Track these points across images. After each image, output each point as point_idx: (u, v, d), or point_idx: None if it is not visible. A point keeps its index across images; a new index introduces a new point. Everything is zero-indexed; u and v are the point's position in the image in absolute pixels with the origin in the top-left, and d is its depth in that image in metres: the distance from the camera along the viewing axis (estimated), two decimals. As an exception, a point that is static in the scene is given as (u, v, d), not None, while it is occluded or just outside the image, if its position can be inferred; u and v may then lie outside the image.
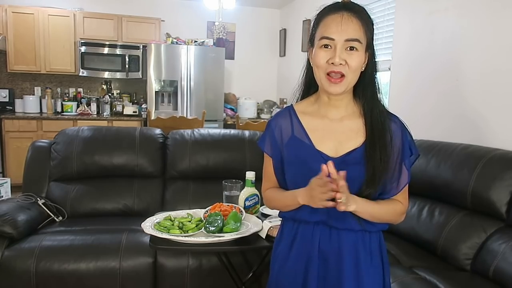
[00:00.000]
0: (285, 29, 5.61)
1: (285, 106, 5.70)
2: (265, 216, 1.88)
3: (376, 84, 1.12)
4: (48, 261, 1.96)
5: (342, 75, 1.04)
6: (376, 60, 1.11)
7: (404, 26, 3.08)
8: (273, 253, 1.24)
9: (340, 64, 1.03)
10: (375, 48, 1.11)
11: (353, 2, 1.09)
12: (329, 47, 1.04)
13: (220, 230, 1.62)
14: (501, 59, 2.23)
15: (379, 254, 1.14)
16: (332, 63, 1.03)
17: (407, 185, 1.12)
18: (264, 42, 5.90)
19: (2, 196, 3.30)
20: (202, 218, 1.78)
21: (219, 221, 1.64)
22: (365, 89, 1.11)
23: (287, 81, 5.62)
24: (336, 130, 1.11)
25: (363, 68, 1.08)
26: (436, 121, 2.70)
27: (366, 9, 1.10)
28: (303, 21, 4.80)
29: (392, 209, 1.11)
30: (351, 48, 1.03)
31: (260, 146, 1.21)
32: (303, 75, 1.19)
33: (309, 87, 1.18)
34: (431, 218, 2.11)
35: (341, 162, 1.07)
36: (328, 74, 1.05)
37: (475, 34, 2.41)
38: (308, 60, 1.14)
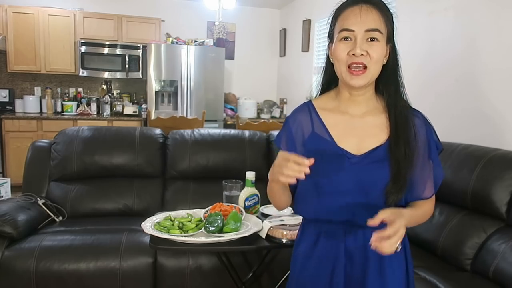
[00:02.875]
0: (285, 29, 5.61)
1: (285, 106, 5.70)
2: (265, 216, 1.88)
3: (399, 79, 1.08)
4: (48, 261, 1.96)
5: (365, 67, 1.01)
6: (398, 54, 1.08)
7: (404, 26, 3.08)
8: (294, 253, 1.20)
9: (362, 55, 0.99)
10: (396, 41, 1.07)
11: None
12: (349, 39, 1.01)
13: (220, 230, 1.62)
14: (501, 59, 2.23)
15: (403, 248, 1.11)
16: (353, 54, 1.00)
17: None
18: (264, 42, 5.90)
19: (2, 196, 3.30)
20: (202, 218, 1.78)
21: (219, 221, 1.64)
22: (388, 83, 1.07)
23: (287, 81, 5.62)
24: (357, 127, 1.08)
25: (384, 61, 1.05)
26: (435, 121, 2.67)
27: (385, 1, 1.07)
28: (303, 21, 4.79)
29: (426, 212, 1.11)
30: (372, 39, 1.01)
31: (276, 144, 1.17)
32: (322, 72, 1.16)
33: (329, 84, 1.15)
34: (431, 218, 2.10)
35: (364, 160, 1.05)
36: (349, 67, 1.01)
37: (475, 34, 2.41)
38: (327, 56, 1.11)
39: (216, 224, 1.62)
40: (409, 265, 1.13)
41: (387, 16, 1.04)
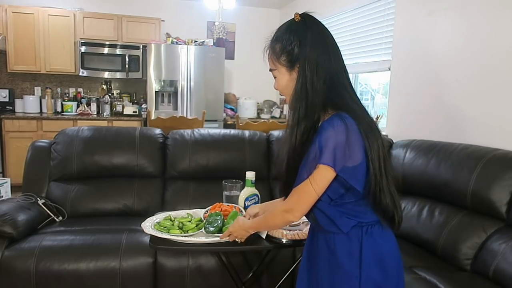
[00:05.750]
0: (285, 29, 5.60)
1: (285, 106, 5.70)
2: (265, 216, 1.88)
3: (305, 99, 1.11)
4: (48, 261, 1.96)
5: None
6: (307, 72, 1.12)
7: (404, 26, 3.08)
8: None
9: (277, 90, 1.23)
10: (310, 59, 1.11)
11: (275, 30, 1.23)
12: None
13: (220, 230, 1.62)
14: (501, 59, 2.23)
15: (346, 257, 1.13)
16: None
17: (299, 188, 1.12)
18: (264, 42, 5.88)
19: (2, 196, 3.30)
20: (202, 218, 1.78)
21: (219, 221, 1.63)
22: (295, 104, 1.14)
23: (287, 81, 5.61)
24: None
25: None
26: (435, 120, 2.69)
27: (283, 29, 1.20)
28: (303, 21, 4.78)
29: (270, 213, 1.30)
30: (274, 77, 1.22)
31: None
32: None
33: None
34: (431, 218, 2.11)
35: None
36: None
37: (474, 34, 2.42)
38: None
39: (216, 224, 1.62)
40: (362, 279, 1.12)
41: (278, 49, 1.18)
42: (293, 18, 1.18)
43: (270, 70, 1.22)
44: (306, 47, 1.12)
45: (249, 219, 1.54)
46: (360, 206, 1.13)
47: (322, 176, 1.08)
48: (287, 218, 1.18)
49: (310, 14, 1.19)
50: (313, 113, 1.11)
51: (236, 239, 1.48)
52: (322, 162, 1.07)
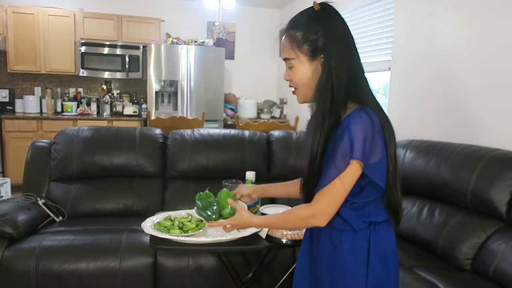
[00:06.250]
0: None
1: (285, 106, 5.70)
2: (265, 216, 1.87)
3: (331, 92, 1.07)
4: (48, 261, 1.96)
5: (296, 88, 1.17)
6: (331, 65, 1.08)
7: (404, 26, 3.08)
8: None
9: (288, 80, 1.17)
10: (336, 51, 1.08)
11: (293, 18, 1.17)
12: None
13: (219, 215, 1.62)
14: (501, 59, 2.23)
15: (352, 255, 1.11)
16: None
17: (328, 190, 1.06)
18: (264, 42, 5.89)
19: (2, 196, 3.30)
20: (202, 218, 1.78)
21: (214, 204, 1.63)
22: (319, 98, 1.09)
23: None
24: None
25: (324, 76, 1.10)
26: (436, 121, 2.69)
27: (305, 17, 1.13)
28: (303, 21, 4.78)
29: (291, 216, 1.16)
30: (290, 67, 1.15)
31: None
32: None
33: None
34: (431, 218, 2.11)
35: None
36: None
37: (475, 34, 2.41)
38: None
39: (214, 209, 1.62)
40: (369, 276, 1.11)
41: (300, 37, 1.11)
42: (312, 7, 1.13)
43: (286, 59, 1.15)
44: (331, 37, 1.08)
45: (240, 198, 1.55)
46: (378, 204, 1.12)
47: (352, 173, 1.04)
48: (312, 223, 1.11)
49: (330, 3, 1.13)
50: (338, 106, 1.07)
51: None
52: (354, 157, 1.02)
